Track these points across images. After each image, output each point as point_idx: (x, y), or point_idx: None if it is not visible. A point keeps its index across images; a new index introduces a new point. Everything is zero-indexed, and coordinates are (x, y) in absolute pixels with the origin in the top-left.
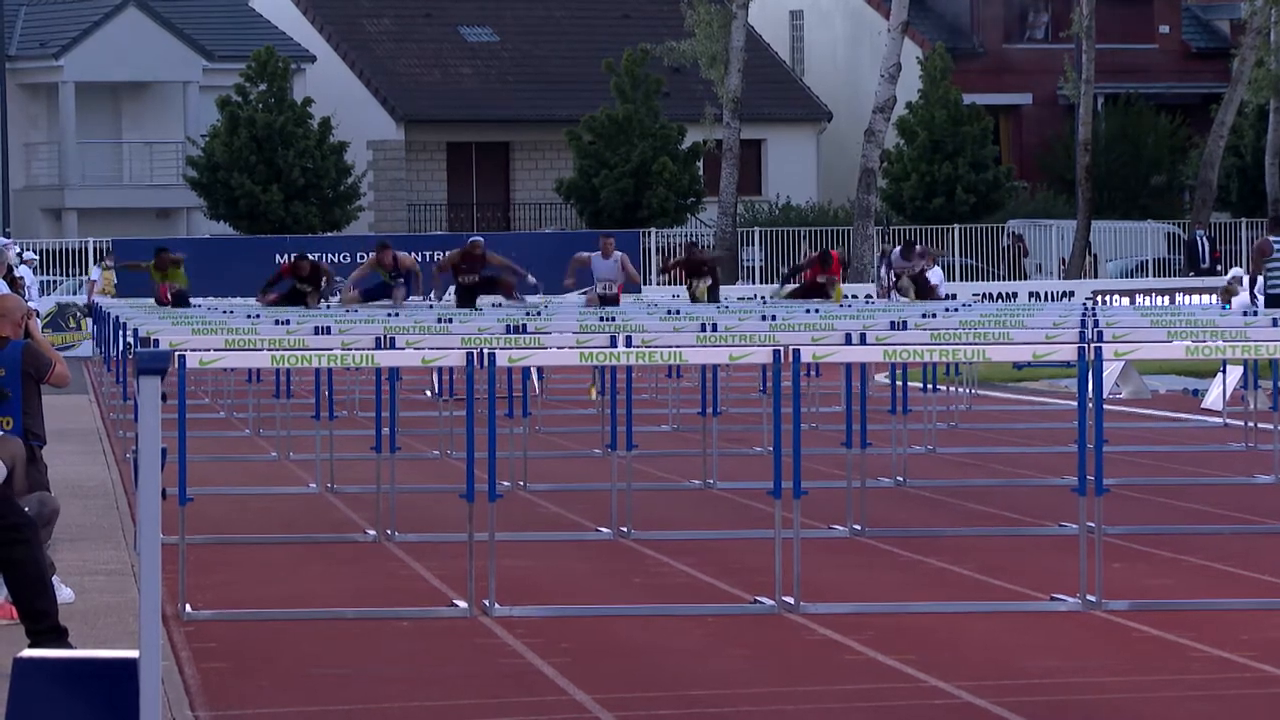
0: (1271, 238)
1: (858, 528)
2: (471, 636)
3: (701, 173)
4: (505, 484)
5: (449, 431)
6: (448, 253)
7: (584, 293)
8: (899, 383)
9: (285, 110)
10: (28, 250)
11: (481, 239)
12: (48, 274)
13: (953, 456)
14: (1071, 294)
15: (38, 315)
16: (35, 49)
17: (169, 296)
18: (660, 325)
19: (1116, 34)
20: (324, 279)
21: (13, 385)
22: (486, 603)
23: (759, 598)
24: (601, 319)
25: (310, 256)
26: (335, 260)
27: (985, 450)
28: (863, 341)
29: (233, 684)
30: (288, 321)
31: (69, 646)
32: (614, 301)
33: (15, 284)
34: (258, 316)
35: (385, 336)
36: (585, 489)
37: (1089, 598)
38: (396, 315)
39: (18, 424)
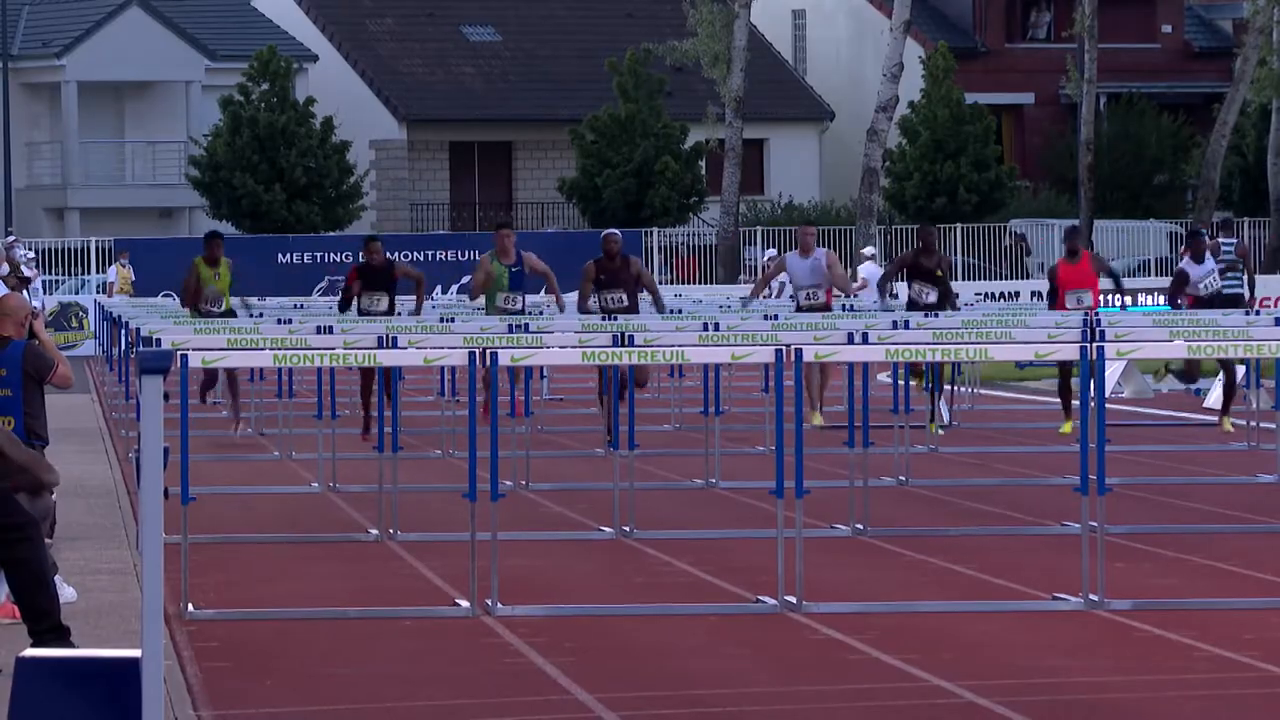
0: (1222, 239)
1: (860, 527)
2: (474, 636)
3: (704, 172)
4: (507, 483)
5: (451, 431)
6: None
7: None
8: (900, 383)
9: (288, 110)
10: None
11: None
12: (49, 273)
13: (955, 456)
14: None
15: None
16: (38, 48)
17: (209, 304)
18: (662, 325)
19: (1119, 33)
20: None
21: (13, 385)
22: (489, 602)
23: (761, 597)
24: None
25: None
26: (338, 260)
27: (988, 450)
28: (865, 341)
29: (235, 683)
30: (289, 321)
31: (71, 646)
32: (823, 309)
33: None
34: (260, 316)
35: (387, 336)
36: (587, 488)
37: (1091, 597)
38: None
39: (19, 424)
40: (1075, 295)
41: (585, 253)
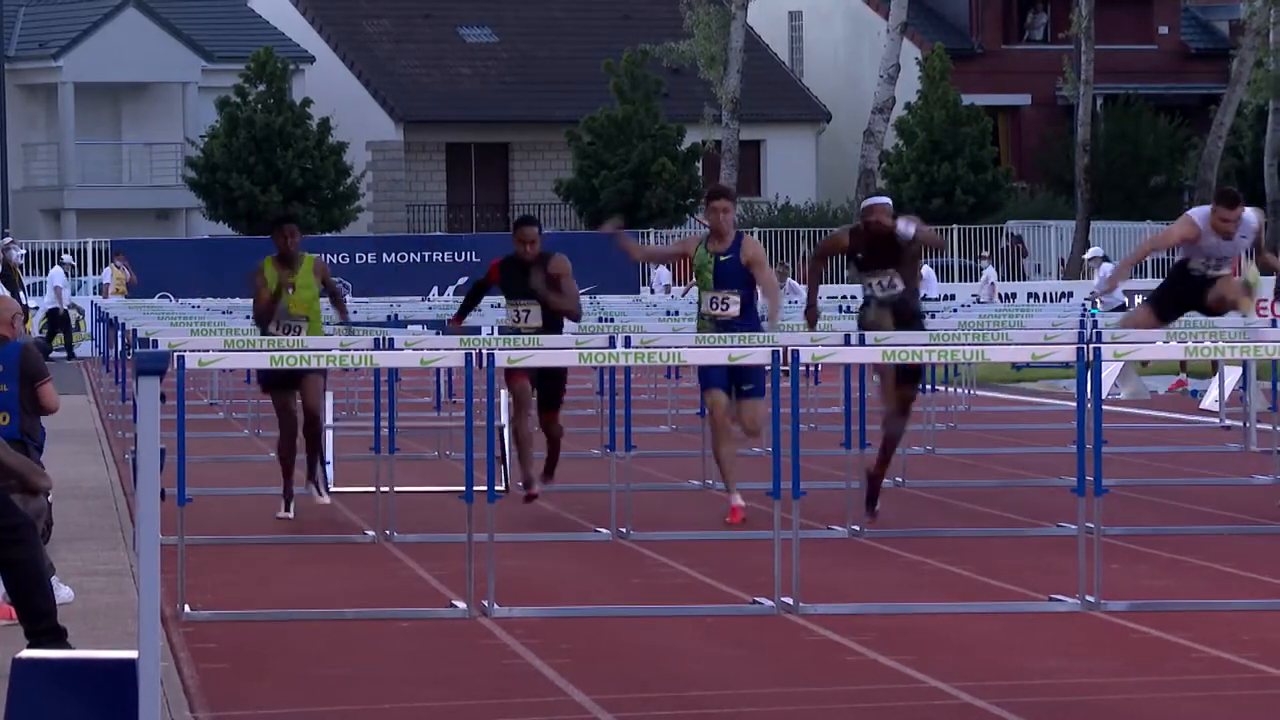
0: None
1: (857, 528)
2: (471, 637)
3: (701, 173)
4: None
5: (448, 432)
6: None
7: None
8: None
9: (284, 111)
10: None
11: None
12: (46, 274)
13: (952, 457)
14: (1070, 295)
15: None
16: (34, 49)
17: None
18: (659, 326)
19: (1115, 35)
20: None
21: (9, 381)
22: (486, 603)
23: (758, 598)
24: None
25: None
26: (334, 262)
27: (984, 451)
28: (861, 342)
29: (232, 685)
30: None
31: (68, 647)
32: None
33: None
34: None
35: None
36: (584, 489)
37: (1088, 598)
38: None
39: (14, 420)
40: None
41: (581, 254)
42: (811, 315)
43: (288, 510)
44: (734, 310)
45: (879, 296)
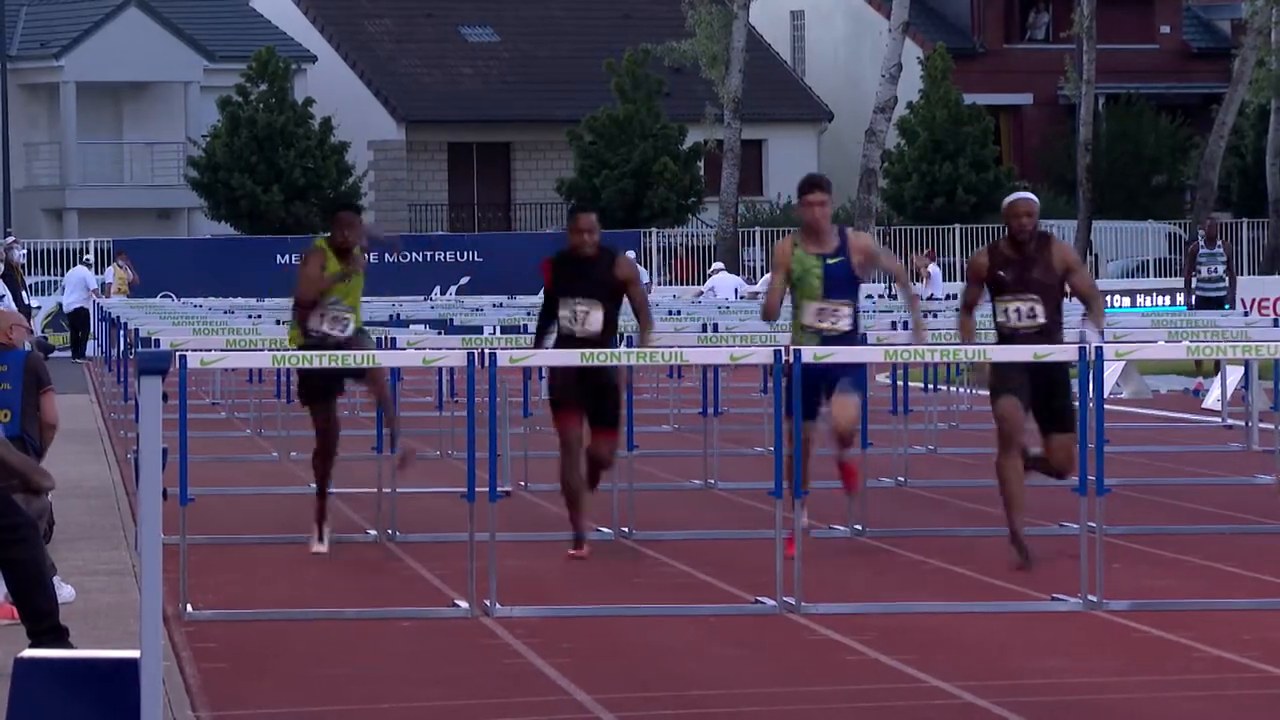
0: (1202, 246)
1: (859, 528)
2: (472, 637)
3: (702, 173)
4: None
5: (450, 432)
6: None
7: None
8: (900, 383)
9: (286, 110)
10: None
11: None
12: (48, 274)
13: (954, 457)
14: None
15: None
16: (36, 49)
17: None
18: (661, 325)
19: (1117, 34)
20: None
21: (13, 380)
22: (487, 603)
23: (760, 598)
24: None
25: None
26: None
27: (986, 450)
28: (864, 342)
29: (233, 684)
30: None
31: (70, 646)
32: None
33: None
34: (259, 317)
35: (386, 337)
36: None
37: (1090, 598)
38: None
39: (15, 419)
40: None
41: None
42: (979, 372)
43: (321, 541)
44: (845, 323)
45: (1014, 326)
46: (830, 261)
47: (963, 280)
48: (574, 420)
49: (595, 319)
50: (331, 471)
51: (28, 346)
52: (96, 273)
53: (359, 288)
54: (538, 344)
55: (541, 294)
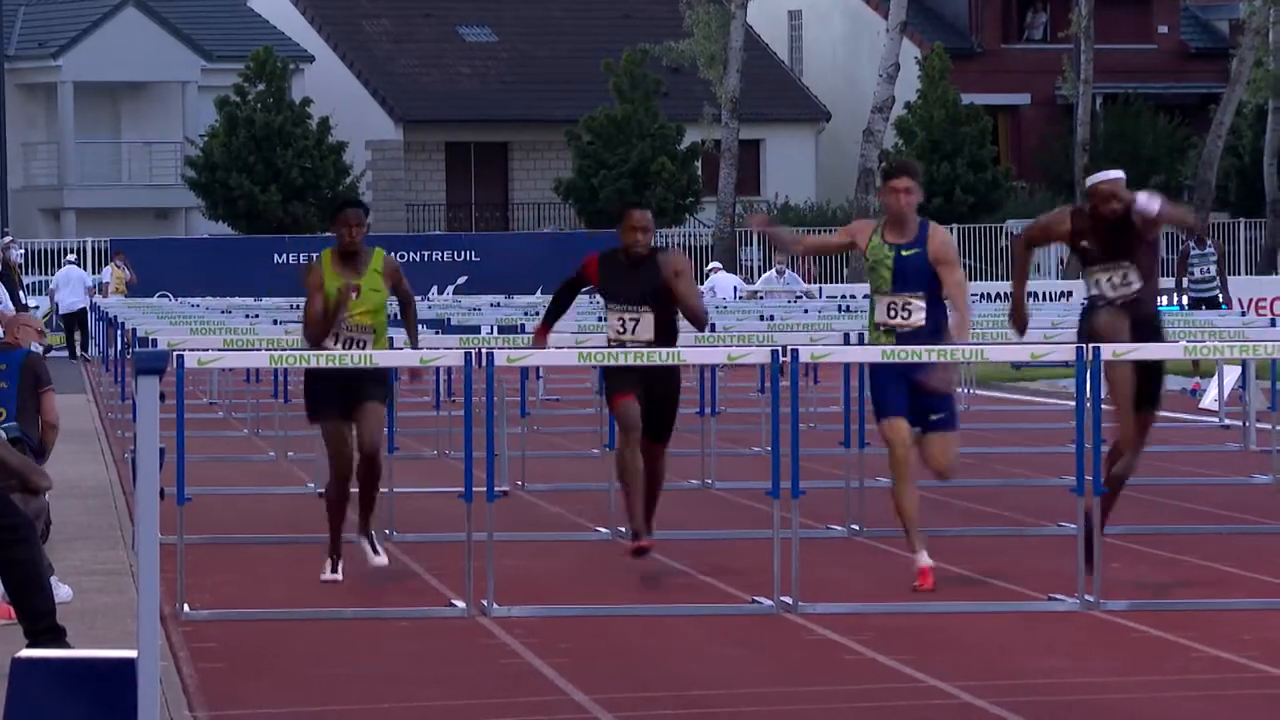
0: (1193, 247)
1: (856, 528)
2: (470, 637)
3: (700, 173)
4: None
5: (447, 431)
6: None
7: None
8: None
9: (284, 110)
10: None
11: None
12: (46, 274)
13: None
14: (1070, 294)
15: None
16: (34, 49)
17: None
18: None
19: (1115, 34)
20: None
21: (10, 379)
22: (485, 603)
23: (757, 598)
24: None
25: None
26: None
27: (984, 450)
28: (860, 341)
29: (230, 684)
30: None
31: (67, 646)
32: None
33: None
34: (256, 316)
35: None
36: (583, 489)
37: (1087, 598)
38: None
39: (10, 418)
40: None
41: (582, 254)
42: (1020, 319)
43: (335, 571)
44: (918, 319)
45: (1110, 297)
46: (905, 253)
47: None
48: (632, 395)
49: (646, 326)
50: (347, 500)
51: (35, 347)
52: (94, 272)
53: (369, 302)
54: (547, 331)
55: (561, 283)
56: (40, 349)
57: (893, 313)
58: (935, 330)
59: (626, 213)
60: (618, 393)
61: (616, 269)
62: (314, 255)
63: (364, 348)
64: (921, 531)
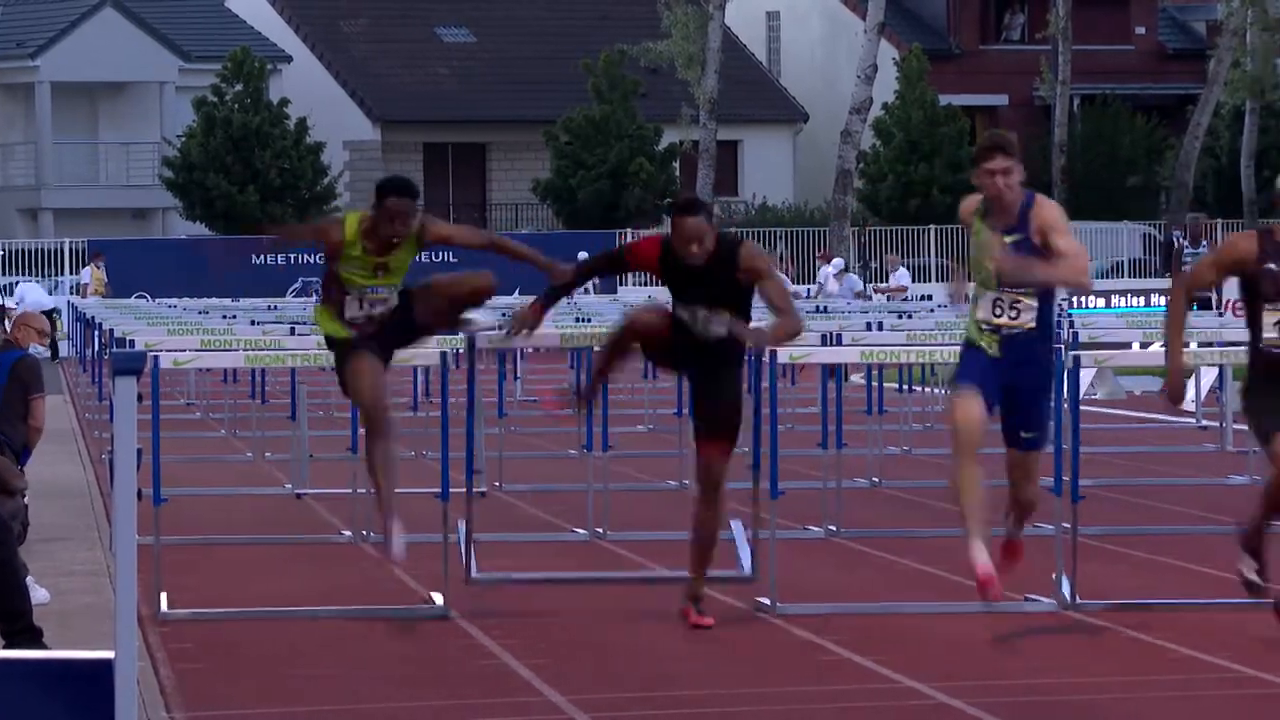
0: (1187, 245)
1: (834, 528)
2: (447, 637)
3: (678, 173)
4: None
5: (424, 432)
6: None
7: None
8: (874, 384)
9: (261, 111)
10: None
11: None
12: (23, 275)
13: (928, 458)
14: None
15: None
16: (11, 49)
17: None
18: None
19: (1093, 35)
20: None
21: None
22: (462, 603)
23: (735, 598)
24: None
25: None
26: (312, 262)
27: None
28: (838, 342)
29: (208, 684)
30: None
31: (44, 647)
32: None
33: None
34: (233, 317)
35: None
36: (561, 489)
37: (1065, 598)
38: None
39: None
40: None
41: (560, 255)
42: (1176, 389)
43: (393, 540)
44: (1028, 318)
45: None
46: (1007, 239)
47: (938, 280)
48: (719, 449)
49: (720, 327)
50: (384, 462)
51: (35, 349)
52: (72, 273)
53: (390, 281)
54: (542, 307)
55: (596, 256)
56: (44, 352)
57: (999, 311)
58: (1046, 333)
59: (677, 221)
60: (702, 443)
61: (680, 269)
62: (341, 213)
63: (388, 304)
64: (987, 526)
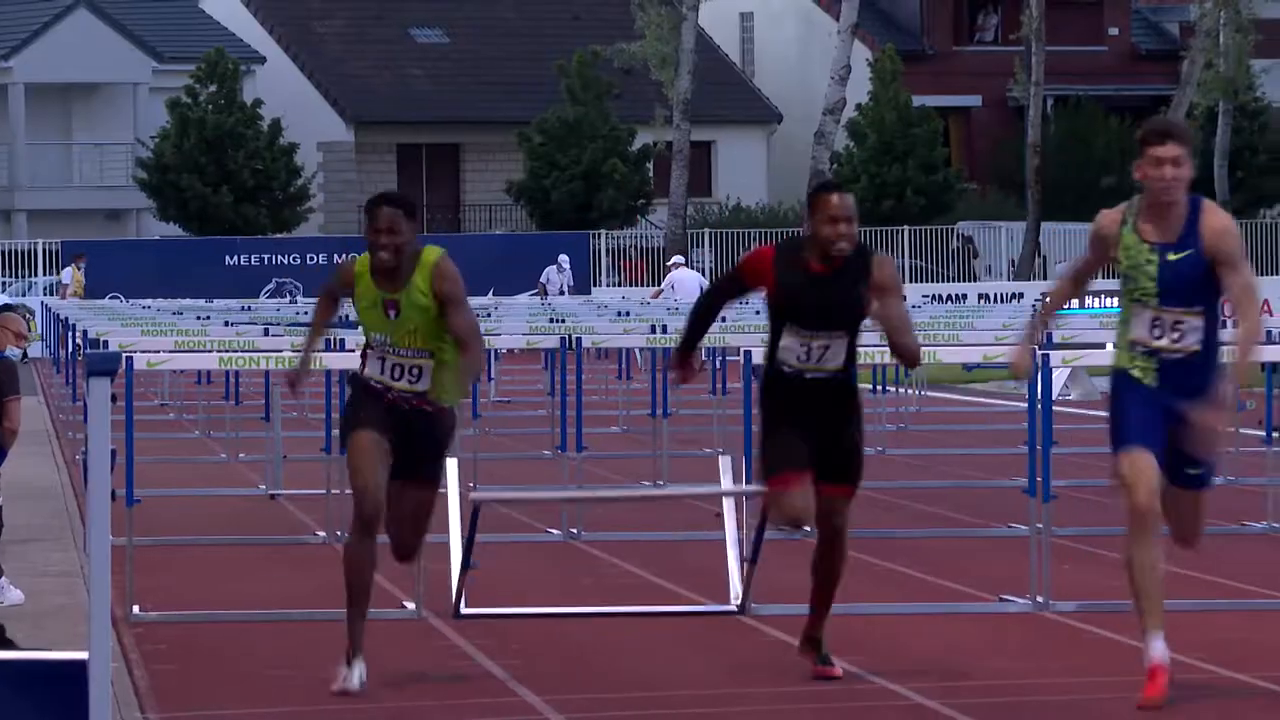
0: None
1: (808, 530)
2: (422, 638)
3: (652, 174)
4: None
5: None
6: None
7: None
8: None
9: (235, 112)
10: None
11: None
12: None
13: (903, 458)
14: (1021, 296)
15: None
16: None
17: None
18: (610, 327)
19: (1066, 36)
20: None
21: None
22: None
23: (710, 600)
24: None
25: None
26: (285, 263)
27: (935, 452)
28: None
29: (182, 686)
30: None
31: (13, 647)
32: None
33: None
34: (207, 318)
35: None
36: (535, 491)
37: (1038, 599)
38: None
39: None
40: None
41: (533, 256)
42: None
43: (350, 675)
44: (1191, 341)
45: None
46: (1173, 256)
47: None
48: (800, 484)
49: (837, 354)
50: (373, 576)
51: (12, 352)
52: (46, 274)
53: (415, 322)
54: (687, 355)
55: (718, 285)
56: (18, 354)
57: (1157, 331)
58: (1209, 358)
59: (820, 198)
60: (785, 471)
61: (804, 281)
62: (352, 255)
63: (418, 378)
64: (1162, 609)
